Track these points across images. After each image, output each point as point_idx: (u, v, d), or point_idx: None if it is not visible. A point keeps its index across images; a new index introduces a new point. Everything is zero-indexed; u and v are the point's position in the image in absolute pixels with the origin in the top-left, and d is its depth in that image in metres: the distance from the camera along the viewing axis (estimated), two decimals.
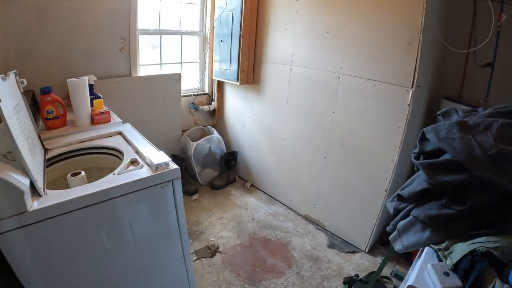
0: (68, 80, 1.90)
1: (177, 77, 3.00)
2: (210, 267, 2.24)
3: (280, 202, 3.03)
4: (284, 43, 2.66)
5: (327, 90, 2.41)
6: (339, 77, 2.32)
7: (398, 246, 1.43)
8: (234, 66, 2.86)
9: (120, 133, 1.86)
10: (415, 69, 1.91)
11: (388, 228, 1.58)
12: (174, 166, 1.39)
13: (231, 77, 2.93)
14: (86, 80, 1.98)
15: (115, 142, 1.73)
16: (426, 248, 1.33)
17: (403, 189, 1.57)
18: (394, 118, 2.07)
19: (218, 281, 2.13)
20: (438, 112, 1.60)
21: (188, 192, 3.02)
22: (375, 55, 2.11)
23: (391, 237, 1.48)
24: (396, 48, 1.99)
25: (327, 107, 2.43)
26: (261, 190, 3.23)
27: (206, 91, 3.47)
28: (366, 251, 2.43)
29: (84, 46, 2.53)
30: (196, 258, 2.30)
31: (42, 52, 2.37)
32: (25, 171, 1.05)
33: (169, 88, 2.99)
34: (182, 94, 3.18)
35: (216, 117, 3.48)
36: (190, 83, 3.34)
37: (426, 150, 1.46)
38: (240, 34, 2.76)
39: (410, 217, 1.42)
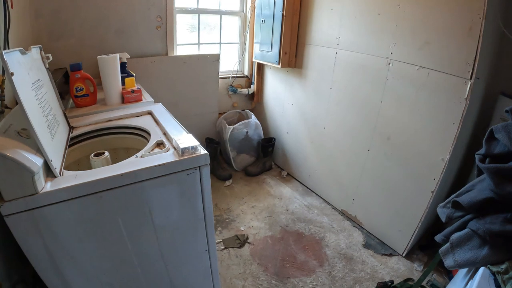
0: (98, 56, 1.79)
1: (215, 58, 2.82)
2: (238, 258, 2.11)
3: (317, 195, 2.80)
4: (330, 25, 2.35)
5: (376, 77, 2.10)
6: (389, 63, 2.00)
7: (449, 261, 1.17)
8: (276, 48, 2.61)
9: (150, 113, 1.73)
10: (475, 59, 1.57)
11: (438, 238, 1.32)
12: (203, 151, 1.21)
13: (272, 60, 2.69)
14: (117, 57, 1.86)
15: (144, 122, 1.60)
16: (482, 268, 1.08)
17: (460, 194, 1.29)
18: (448, 112, 1.75)
19: (244, 274, 2.00)
20: (507, 109, 1.27)
21: (221, 177, 2.90)
22: (430, 40, 1.77)
23: (442, 249, 1.22)
24: (455, 34, 1.65)
25: (375, 96, 2.13)
26: (297, 180, 3.02)
27: (246, 73, 3.27)
28: (404, 255, 2.16)
29: (118, 25, 2.44)
30: (223, 247, 2.18)
31: (75, 30, 2.31)
32: (39, 150, 0.96)
33: (206, 69, 2.83)
34: (220, 76, 3.01)
35: (255, 101, 3.28)
36: (229, 64, 3.16)
37: (493, 153, 1.17)
38: (282, 14, 2.49)
39: (467, 230, 1.16)
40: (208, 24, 3.03)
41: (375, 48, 2.07)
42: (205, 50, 2.98)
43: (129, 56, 2.17)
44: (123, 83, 1.96)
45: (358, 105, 2.26)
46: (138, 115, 1.72)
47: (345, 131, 2.41)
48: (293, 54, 2.65)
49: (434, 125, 1.84)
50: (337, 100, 2.42)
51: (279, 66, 2.64)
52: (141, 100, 1.94)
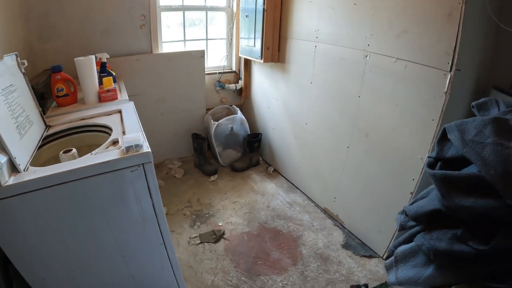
0: (75, 59, 1.83)
1: (200, 54, 2.77)
2: (211, 253, 2.06)
3: (301, 191, 2.70)
4: (309, 17, 2.23)
5: (354, 70, 1.97)
6: (366, 56, 1.86)
7: (391, 277, 1.06)
8: (258, 43, 2.52)
9: (119, 112, 1.74)
10: (455, 48, 1.42)
11: (389, 249, 1.20)
12: (146, 149, 1.21)
13: (255, 55, 2.60)
14: (92, 58, 1.90)
15: (111, 120, 1.64)
16: None
17: (415, 201, 1.16)
18: (427, 107, 1.60)
19: (215, 269, 1.94)
20: (473, 103, 1.12)
21: (206, 173, 2.85)
22: (407, 28, 1.62)
23: (386, 262, 1.11)
24: (433, 21, 1.50)
25: (353, 91, 2.00)
26: (283, 177, 2.92)
27: (234, 69, 3.18)
28: (384, 257, 2.02)
29: (104, 25, 2.44)
30: (199, 242, 2.13)
31: (63, 32, 2.34)
32: (3, 149, 1.06)
33: (192, 65, 2.78)
34: (207, 72, 2.97)
35: (243, 96, 3.20)
36: (217, 60, 3.08)
37: (445, 156, 1.03)
38: (263, 9, 2.39)
39: (412, 244, 1.03)
40: (195, 21, 2.97)
41: (352, 40, 1.94)
42: (192, 46, 2.93)
43: (108, 56, 2.15)
44: (101, 82, 1.97)
45: (338, 100, 2.14)
46: (109, 113, 1.75)
47: (326, 127, 2.29)
48: (275, 48, 2.55)
49: (413, 121, 1.70)
50: (318, 94, 2.30)
51: (262, 61, 2.54)
52: (117, 98, 1.95)
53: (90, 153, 1.22)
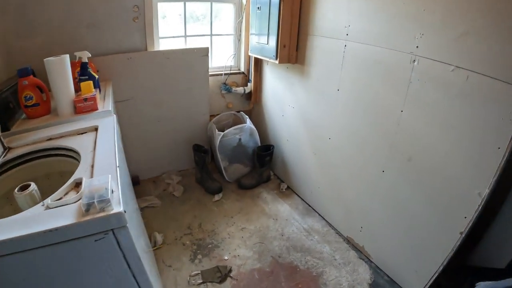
0: (44, 59, 1.44)
1: (203, 52, 2.34)
2: None
3: (319, 215, 2.29)
4: (337, 9, 1.80)
5: (395, 78, 1.54)
6: (414, 61, 1.44)
7: None
8: (273, 40, 2.09)
9: (96, 129, 1.35)
10: None
11: None
12: (117, 208, 0.79)
13: (268, 54, 2.18)
14: (65, 58, 1.50)
15: (82, 143, 1.24)
16: None
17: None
18: (492, 132, 1.20)
19: None
20: None
21: (209, 190, 2.45)
22: (471, 28, 1.20)
23: None
24: (506, 20, 1.08)
25: (393, 103, 1.57)
26: (298, 196, 2.51)
27: (242, 69, 2.75)
28: None
29: (90, 18, 2.03)
30: (201, 281, 1.74)
31: (43, 27, 1.94)
32: None
33: (193, 65, 2.36)
34: (211, 73, 2.54)
35: (252, 101, 2.77)
36: (223, 59, 2.65)
37: None
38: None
39: None
40: (197, 14, 2.54)
41: (395, 39, 1.51)
42: (194, 43, 2.50)
43: (89, 55, 1.73)
44: (80, 88, 1.59)
45: (372, 113, 1.72)
46: (83, 131, 1.36)
47: (355, 145, 1.88)
48: (293, 47, 2.12)
49: (472, 148, 1.28)
50: (346, 105, 1.88)
51: (277, 62, 2.12)
52: (96, 109, 1.57)
53: (41, 204, 0.84)
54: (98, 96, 1.62)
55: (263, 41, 2.19)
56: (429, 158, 1.47)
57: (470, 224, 1.33)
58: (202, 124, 2.63)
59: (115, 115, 1.50)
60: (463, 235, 1.36)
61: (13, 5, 1.83)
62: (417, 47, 1.42)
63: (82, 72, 1.74)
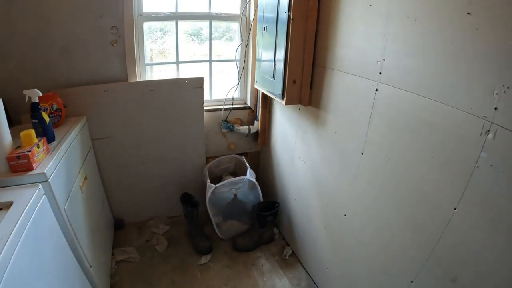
0: None
1: (196, 84, 1.85)
2: None
3: None
4: (368, 35, 1.17)
5: (452, 155, 0.89)
6: (487, 132, 0.79)
7: None
8: (280, 73, 1.52)
9: (9, 206, 0.95)
10: None
11: None
12: None
13: (274, 91, 1.60)
14: None
15: None
16: None
17: None
18: None
19: None
20: None
21: (198, 249, 1.92)
22: None
23: None
24: None
25: (444, 194, 0.93)
26: (303, 267, 1.86)
27: (249, 103, 2.18)
28: None
29: (63, 40, 1.66)
30: None
31: (12, 51, 1.61)
32: None
33: (185, 99, 1.88)
34: (209, 107, 2.05)
35: (259, 142, 2.19)
36: (225, 90, 2.12)
37: None
38: (289, 17, 1.40)
39: None
40: (193, 34, 2.06)
41: (458, 91, 0.86)
42: (189, 71, 2.03)
43: (40, 94, 1.32)
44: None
45: (409, 202, 1.06)
46: None
47: (378, 236, 1.22)
48: (306, 83, 1.52)
49: None
50: (371, 179, 1.24)
51: (283, 103, 1.56)
52: (32, 169, 1.16)
53: None
54: (36, 151, 1.20)
55: (269, 73, 1.63)
56: (487, 284, 0.81)
57: None
58: (198, 167, 2.12)
59: (41, 186, 1.08)
60: None
61: None
62: (495, 109, 0.77)
63: (33, 115, 1.35)
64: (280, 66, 1.51)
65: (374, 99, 1.18)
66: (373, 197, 1.24)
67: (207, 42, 2.02)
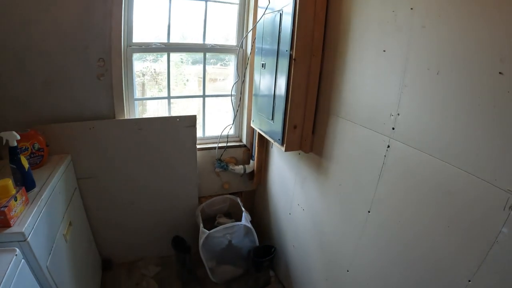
0: None
1: (189, 122, 1.73)
2: None
3: None
4: (381, 83, 1.07)
5: (475, 226, 0.78)
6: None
7: None
8: (279, 117, 1.40)
9: None
10: None
11: None
12: None
13: (273, 135, 1.48)
14: None
15: None
16: None
17: None
18: None
19: None
20: None
21: None
22: None
23: None
24: None
25: (461, 265, 0.81)
26: None
27: (244, 141, 2.06)
28: None
29: (46, 72, 1.51)
30: None
31: None
32: None
33: (176, 137, 1.75)
34: (202, 146, 1.92)
35: (255, 181, 2.06)
36: (219, 127, 2.00)
37: None
38: (291, 56, 1.30)
39: None
40: (186, 67, 1.96)
41: (481, 158, 0.76)
42: (180, 106, 1.91)
43: (18, 137, 1.17)
44: None
45: (420, 266, 0.94)
46: None
47: None
48: (308, 128, 1.41)
49: None
50: (377, 240, 1.12)
51: (283, 149, 1.44)
52: (9, 225, 1.02)
53: None
54: (13, 205, 1.04)
55: (267, 115, 1.51)
56: None
57: None
58: (190, 207, 1.97)
59: (29, 242, 0.99)
60: None
61: None
62: None
63: (11, 159, 1.20)
64: (279, 108, 1.40)
65: (385, 156, 1.07)
66: (379, 258, 1.11)
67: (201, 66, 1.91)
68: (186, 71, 1.98)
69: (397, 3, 0.98)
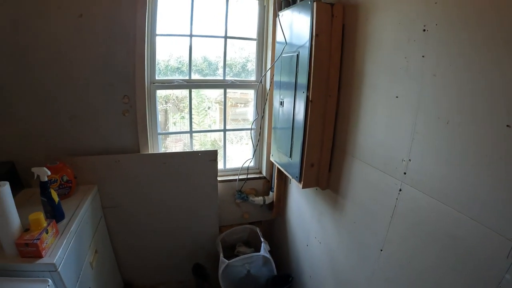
0: None
1: (210, 156, 1.82)
2: None
3: None
4: (392, 128, 1.11)
5: (479, 271, 0.81)
6: None
7: None
8: (297, 155, 1.46)
9: None
10: None
11: None
12: None
13: (291, 171, 1.55)
14: (5, 190, 1.08)
15: None
16: None
17: None
18: None
19: None
20: None
21: None
22: None
23: None
24: None
25: None
26: None
27: (264, 173, 2.13)
28: None
29: (71, 106, 1.64)
30: None
31: (20, 112, 1.58)
32: None
33: (198, 171, 1.85)
34: (223, 178, 2.01)
35: (274, 212, 2.12)
36: (240, 160, 2.09)
37: None
38: (307, 97, 1.36)
39: None
40: (206, 102, 2.07)
41: (488, 208, 0.79)
42: (201, 140, 2.01)
43: (49, 173, 1.30)
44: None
45: None
46: None
47: None
48: (325, 166, 1.46)
49: None
50: (390, 275, 1.13)
51: (301, 186, 1.48)
52: (41, 256, 1.12)
53: None
54: (45, 238, 1.16)
55: (285, 152, 1.57)
56: None
57: None
58: (210, 236, 2.05)
59: (60, 272, 1.09)
60: None
61: None
62: None
63: (41, 193, 1.33)
64: (297, 147, 1.46)
65: (397, 199, 1.10)
66: None
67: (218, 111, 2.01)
68: (206, 93, 2.11)
69: (409, 50, 1.03)
